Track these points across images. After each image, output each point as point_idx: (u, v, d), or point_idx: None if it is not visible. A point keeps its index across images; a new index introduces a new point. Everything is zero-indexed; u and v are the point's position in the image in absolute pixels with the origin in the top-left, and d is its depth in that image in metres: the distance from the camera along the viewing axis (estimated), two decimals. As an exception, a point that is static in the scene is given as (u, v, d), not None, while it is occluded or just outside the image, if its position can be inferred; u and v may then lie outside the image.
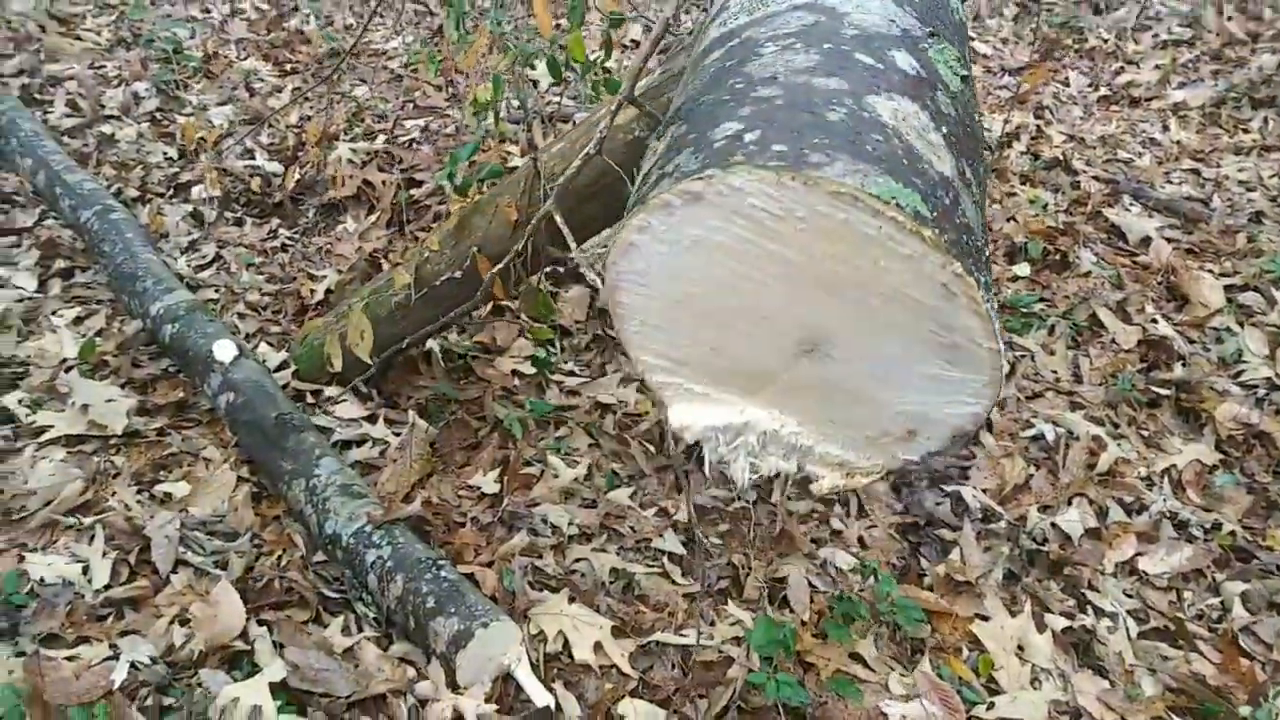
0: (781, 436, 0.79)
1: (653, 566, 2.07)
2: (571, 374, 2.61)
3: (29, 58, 3.91)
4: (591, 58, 2.28)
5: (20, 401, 2.28)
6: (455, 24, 2.48)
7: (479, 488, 2.20)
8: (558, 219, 1.34)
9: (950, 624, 1.98)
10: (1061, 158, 3.80)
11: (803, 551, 2.12)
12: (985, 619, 2.00)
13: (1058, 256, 3.23)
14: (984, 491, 2.32)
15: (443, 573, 1.84)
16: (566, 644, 1.84)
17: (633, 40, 4.47)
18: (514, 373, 2.56)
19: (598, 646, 1.83)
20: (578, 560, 2.05)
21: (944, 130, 0.86)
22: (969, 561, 2.13)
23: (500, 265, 1.76)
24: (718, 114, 0.87)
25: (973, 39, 4.73)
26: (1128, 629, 2.04)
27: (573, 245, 1.31)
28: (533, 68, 4.35)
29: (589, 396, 2.51)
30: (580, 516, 2.15)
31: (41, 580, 1.85)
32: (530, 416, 2.38)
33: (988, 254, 0.79)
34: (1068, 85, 4.61)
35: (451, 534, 2.08)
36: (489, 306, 2.70)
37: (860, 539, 2.20)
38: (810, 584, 2.03)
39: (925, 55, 0.99)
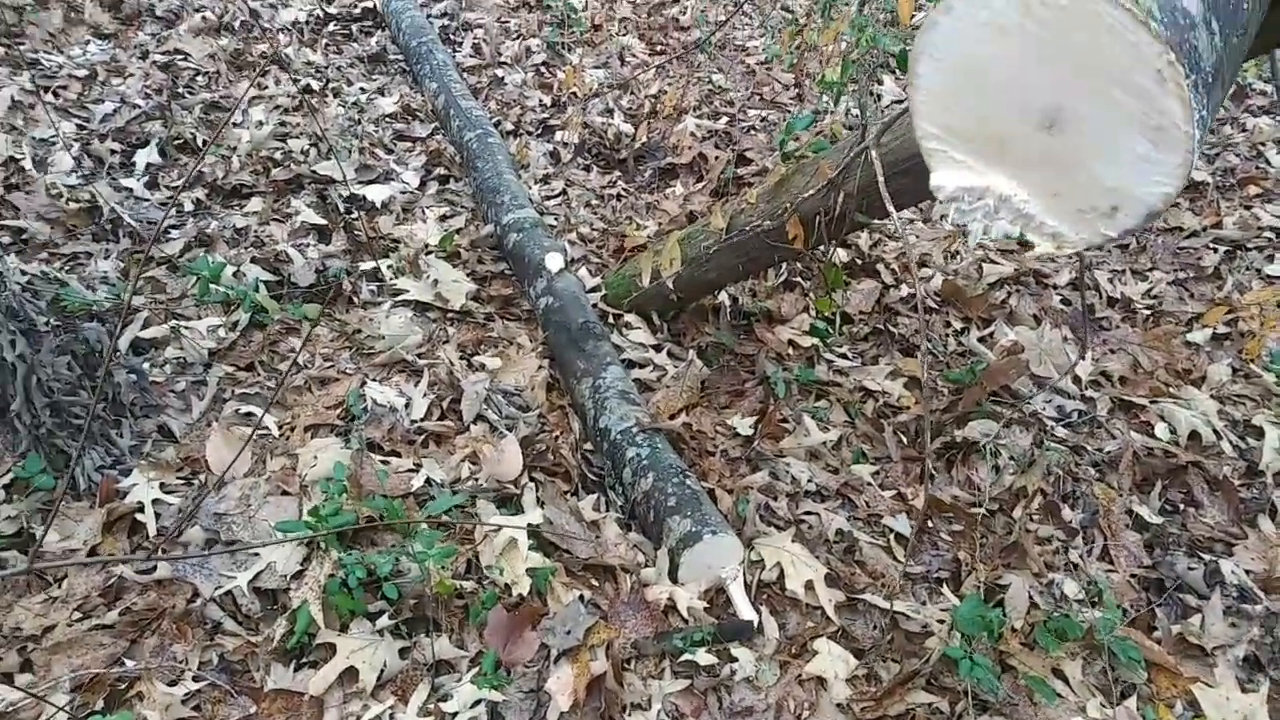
0: (1013, 203, 1.01)
1: (878, 540, 2.16)
2: (844, 357, 2.73)
3: (453, 3, 4.61)
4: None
5: (389, 267, 2.77)
6: (823, 10, 2.68)
7: (735, 428, 2.39)
8: (873, 154, 1.48)
9: (1170, 680, 1.92)
10: None
11: (1032, 570, 2.12)
12: (1210, 687, 1.91)
13: None
14: (1247, 572, 2.18)
15: (688, 482, 2.05)
16: (781, 577, 1.99)
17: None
18: (790, 342, 2.72)
19: (809, 586, 1.96)
20: (808, 513, 2.18)
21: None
22: (1210, 630, 2.03)
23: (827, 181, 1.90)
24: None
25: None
26: (1384, 756, 1.86)
27: (885, 193, 1.45)
28: (880, 82, 4.49)
29: (855, 379, 2.62)
30: (820, 477, 2.28)
31: (374, 402, 2.28)
32: (796, 380, 2.54)
33: (1211, 89, 0.92)
34: None
35: (701, 459, 2.29)
36: (783, 277, 2.89)
37: (1093, 582, 2.16)
38: (1030, 599, 2.04)
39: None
